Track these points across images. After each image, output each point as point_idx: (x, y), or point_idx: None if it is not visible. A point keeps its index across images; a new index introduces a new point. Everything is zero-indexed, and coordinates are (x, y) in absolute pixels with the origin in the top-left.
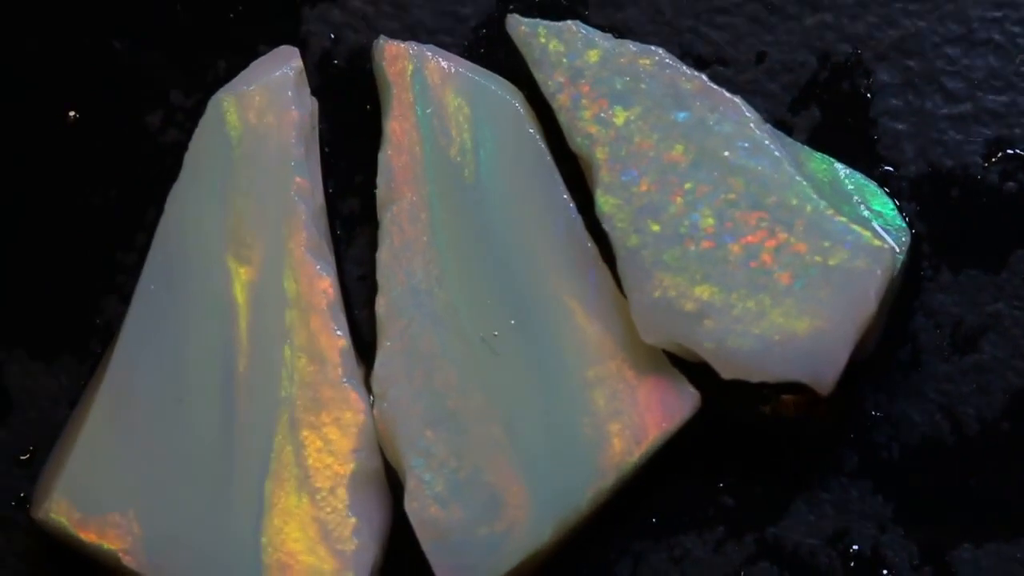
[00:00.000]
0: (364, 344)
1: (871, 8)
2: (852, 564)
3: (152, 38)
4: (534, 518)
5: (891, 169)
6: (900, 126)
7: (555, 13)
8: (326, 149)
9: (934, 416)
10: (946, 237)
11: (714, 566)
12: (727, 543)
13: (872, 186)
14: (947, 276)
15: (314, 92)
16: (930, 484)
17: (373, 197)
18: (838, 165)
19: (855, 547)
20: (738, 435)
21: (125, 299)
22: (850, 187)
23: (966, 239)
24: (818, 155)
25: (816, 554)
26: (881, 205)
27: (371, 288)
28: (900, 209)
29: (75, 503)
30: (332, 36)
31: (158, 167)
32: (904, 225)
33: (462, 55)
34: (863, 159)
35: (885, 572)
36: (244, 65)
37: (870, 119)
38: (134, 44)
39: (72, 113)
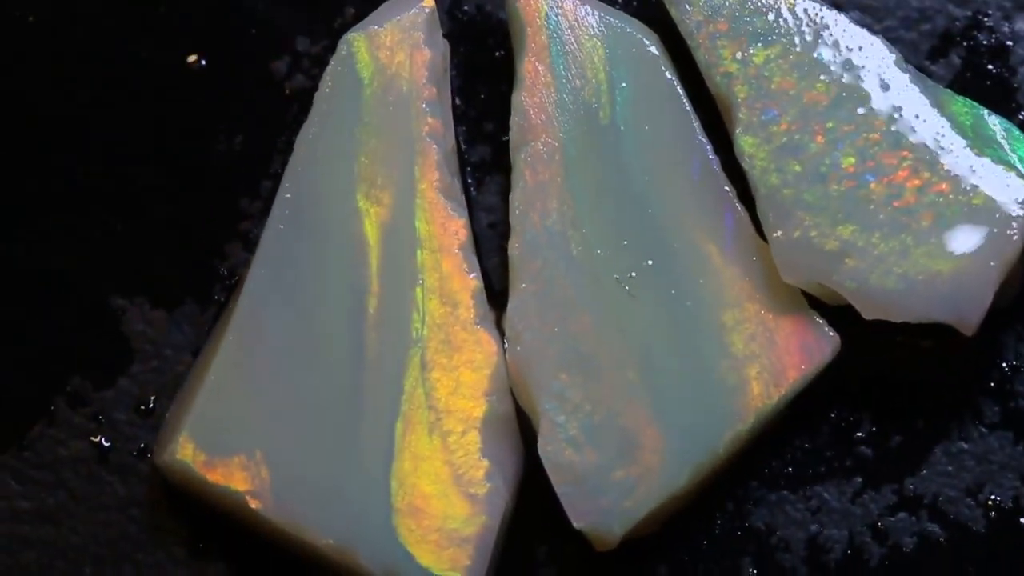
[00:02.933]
0: (495, 292)
1: None
2: (992, 515)
3: None
4: (670, 462)
5: None
6: None
7: None
8: (456, 99)
9: None
10: None
11: (851, 517)
12: (864, 493)
13: (1015, 130)
14: None
15: (446, 38)
16: None
17: (504, 145)
18: (980, 108)
19: (995, 498)
20: (876, 384)
21: (249, 247)
22: (992, 131)
23: None
24: (960, 98)
25: (956, 505)
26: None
27: (502, 236)
28: None
29: (202, 444)
30: None
31: (284, 114)
32: None
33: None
34: (1003, 107)
35: None
36: (371, 11)
37: (1010, 67)
38: None
39: (197, 59)
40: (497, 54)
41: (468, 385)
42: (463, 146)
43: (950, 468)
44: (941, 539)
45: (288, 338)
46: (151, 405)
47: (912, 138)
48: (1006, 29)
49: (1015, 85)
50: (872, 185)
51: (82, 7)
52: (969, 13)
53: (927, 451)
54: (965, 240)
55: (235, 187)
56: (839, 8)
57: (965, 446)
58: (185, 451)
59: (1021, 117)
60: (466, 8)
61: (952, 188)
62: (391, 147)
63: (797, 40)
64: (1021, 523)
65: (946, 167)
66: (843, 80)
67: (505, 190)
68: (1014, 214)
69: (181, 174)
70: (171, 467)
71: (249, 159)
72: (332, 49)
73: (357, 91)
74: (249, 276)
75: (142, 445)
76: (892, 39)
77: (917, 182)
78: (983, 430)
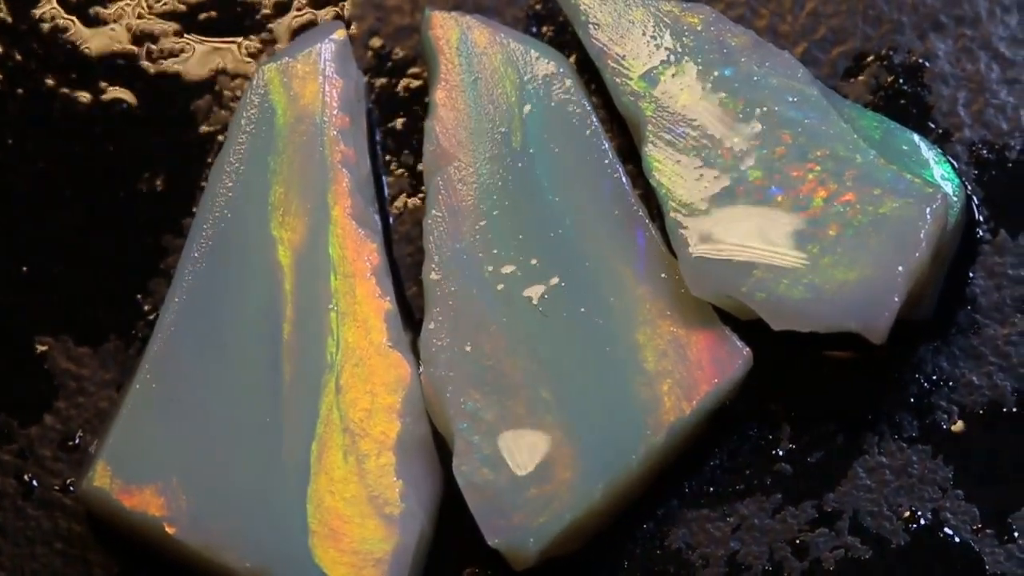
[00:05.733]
0: (414, 320)
1: None
2: (912, 527)
3: (197, 23)
4: (584, 478)
5: (946, 134)
6: (956, 93)
7: None
8: (376, 130)
9: (993, 378)
10: (1004, 201)
11: (772, 533)
12: (784, 510)
13: (925, 143)
14: (1005, 239)
15: (362, 72)
16: (990, 447)
17: (422, 175)
18: (891, 124)
19: (915, 512)
20: (794, 400)
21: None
22: (903, 145)
23: None
24: (870, 113)
25: (876, 519)
26: (936, 161)
27: (421, 265)
28: (957, 175)
29: (118, 472)
30: (378, 18)
31: (205, 150)
32: (959, 180)
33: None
34: (918, 126)
35: (945, 535)
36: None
37: (925, 85)
38: (179, 31)
39: (118, 96)
40: (414, 84)
41: (382, 408)
42: (383, 177)
43: (869, 483)
44: (861, 554)
45: (204, 364)
46: (76, 441)
47: (819, 151)
48: (919, 48)
49: (930, 103)
50: (779, 198)
51: (5, 51)
52: (884, 33)
53: (846, 466)
54: (872, 248)
55: (158, 224)
56: (753, 30)
57: (884, 460)
58: (102, 479)
59: (937, 135)
60: (383, 42)
61: (859, 198)
62: (304, 175)
63: (702, 57)
64: (941, 536)
65: (853, 178)
66: (749, 95)
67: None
68: (920, 221)
69: (103, 212)
70: (89, 495)
71: (171, 196)
72: None
73: (270, 120)
74: (165, 304)
75: (67, 481)
76: (806, 60)
77: (824, 193)
78: (902, 444)
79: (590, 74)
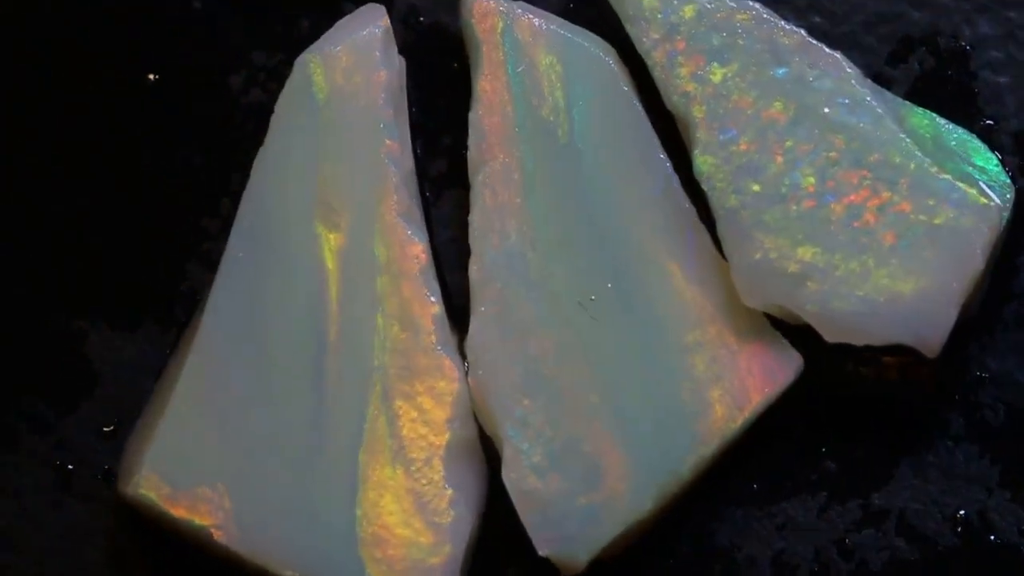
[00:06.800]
0: (456, 309)
1: None
2: (959, 529)
3: None
4: (634, 488)
5: (992, 123)
6: (1001, 79)
7: None
8: (412, 109)
9: None
10: None
11: (818, 532)
12: (831, 509)
13: (975, 141)
14: None
15: (400, 51)
16: None
17: (461, 158)
18: (940, 120)
19: (962, 512)
20: (840, 398)
21: (210, 266)
22: (952, 143)
23: None
24: (919, 110)
25: (922, 519)
26: (984, 160)
27: (461, 251)
28: (1003, 163)
29: (164, 478)
30: None
31: (241, 130)
32: (1008, 180)
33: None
34: (964, 113)
35: (993, 537)
36: (327, 24)
37: (970, 72)
38: (214, 4)
39: (152, 76)
40: (455, 65)
41: (430, 412)
42: (420, 159)
43: (916, 482)
44: (908, 554)
45: (248, 367)
46: (113, 428)
47: (872, 156)
48: (967, 33)
49: (976, 90)
50: (832, 205)
51: (37, 28)
52: (929, 17)
53: (893, 465)
54: (927, 260)
55: (194, 205)
56: (798, 12)
57: (931, 459)
58: (148, 484)
59: (982, 124)
60: (422, 19)
61: (913, 207)
62: (349, 170)
63: (755, 58)
64: (988, 536)
65: (907, 185)
66: (801, 98)
67: (464, 204)
68: (975, 235)
69: (139, 193)
70: (134, 500)
71: (207, 177)
72: (287, 62)
73: (313, 114)
74: (208, 305)
75: (106, 468)
76: (851, 44)
77: (877, 201)
78: (948, 443)
79: (635, 66)
